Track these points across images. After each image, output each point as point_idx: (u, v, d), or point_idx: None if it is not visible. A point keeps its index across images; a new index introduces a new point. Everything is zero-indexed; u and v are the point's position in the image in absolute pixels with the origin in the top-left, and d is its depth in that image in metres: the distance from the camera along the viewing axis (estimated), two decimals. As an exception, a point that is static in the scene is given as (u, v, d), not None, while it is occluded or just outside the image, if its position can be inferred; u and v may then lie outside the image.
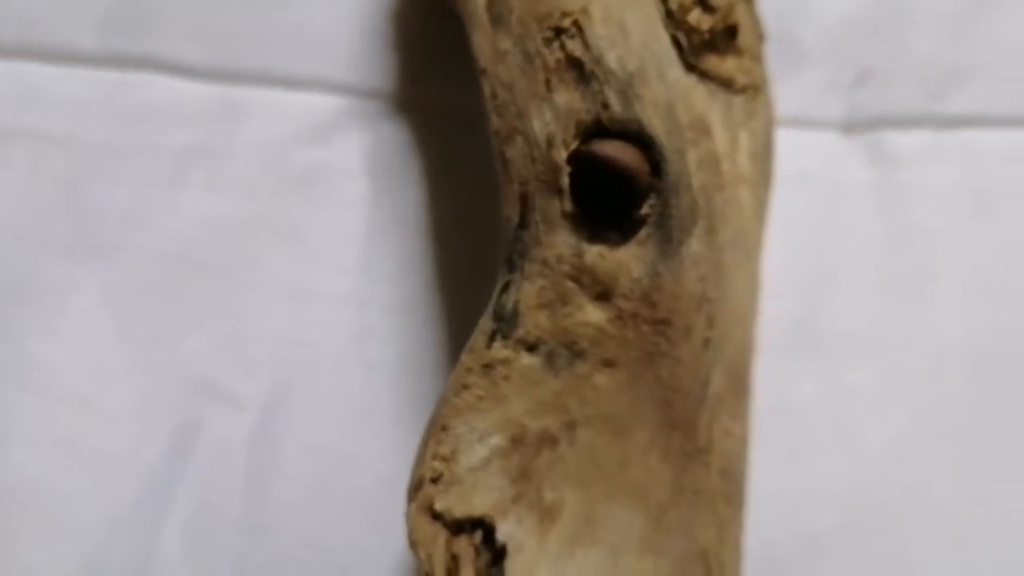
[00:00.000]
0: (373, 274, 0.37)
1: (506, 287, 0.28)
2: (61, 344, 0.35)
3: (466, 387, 0.28)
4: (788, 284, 0.37)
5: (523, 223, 0.28)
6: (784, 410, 0.36)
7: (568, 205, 0.27)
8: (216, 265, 0.37)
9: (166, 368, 0.35)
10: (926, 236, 0.39)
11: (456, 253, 0.38)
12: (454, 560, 0.28)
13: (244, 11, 0.39)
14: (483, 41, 0.29)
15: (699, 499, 0.27)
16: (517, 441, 0.28)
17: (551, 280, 0.27)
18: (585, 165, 0.26)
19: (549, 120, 0.27)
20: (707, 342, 0.27)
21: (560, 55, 0.27)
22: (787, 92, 0.40)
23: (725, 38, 0.28)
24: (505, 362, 0.28)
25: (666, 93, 0.27)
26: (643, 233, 0.27)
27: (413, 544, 0.27)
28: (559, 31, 0.27)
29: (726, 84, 0.29)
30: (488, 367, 0.28)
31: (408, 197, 0.39)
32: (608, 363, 0.27)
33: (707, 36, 0.28)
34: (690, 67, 0.28)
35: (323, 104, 0.39)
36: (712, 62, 0.28)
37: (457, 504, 0.27)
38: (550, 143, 0.27)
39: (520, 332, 0.28)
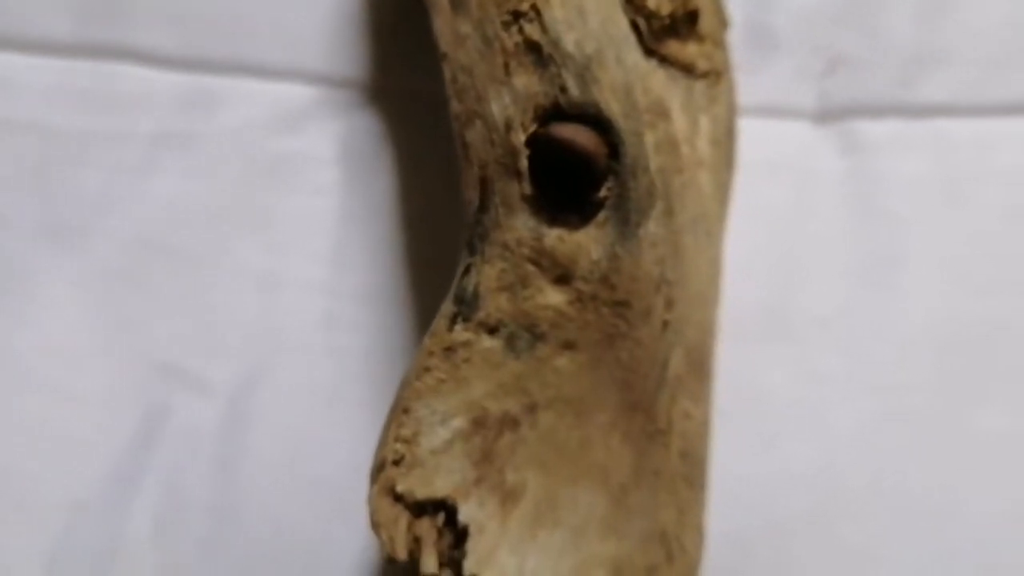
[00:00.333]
0: (344, 262, 0.38)
1: (467, 270, 0.28)
2: (29, 329, 0.36)
3: (428, 370, 0.28)
4: (759, 271, 0.38)
5: (483, 206, 0.28)
6: (753, 396, 0.36)
7: (527, 188, 0.27)
8: (186, 252, 0.37)
9: (135, 354, 0.35)
10: (896, 224, 0.39)
11: (427, 241, 0.38)
12: (416, 542, 0.28)
13: (217, 1, 0.39)
14: (443, 26, 0.29)
15: (659, 480, 0.28)
16: (479, 423, 0.28)
17: (511, 263, 0.27)
18: (544, 148, 0.27)
19: (508, 103, 0.27)
20: (666, 324, 0.27)
21: (519, 39, 0.27)
22: (759, 81, 0.40)
23: (686, 23, 0.29)
24: (466, 345, 0.28)
25: (624, 76, 0.27)
26: (601, 216, 0.27)
27: (375, 526, 0.27)
28: (517, 15, 0.27)
29: (687, 69, 0.29)
30: (449, 350, 0.28)
31: (379, 185, 0.39)
32: (568, 345, 0.27)
33: (667, 21, 0.28)
34: (650, 52, 0.28)
35: (295, 93, 0.40)
36: (673, 47, 0.28)
37: (419, 486, 0.27)
38: (509, 126, 0.27)
39: (481, 315, 0.28)
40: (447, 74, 0.29)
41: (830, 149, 0.39)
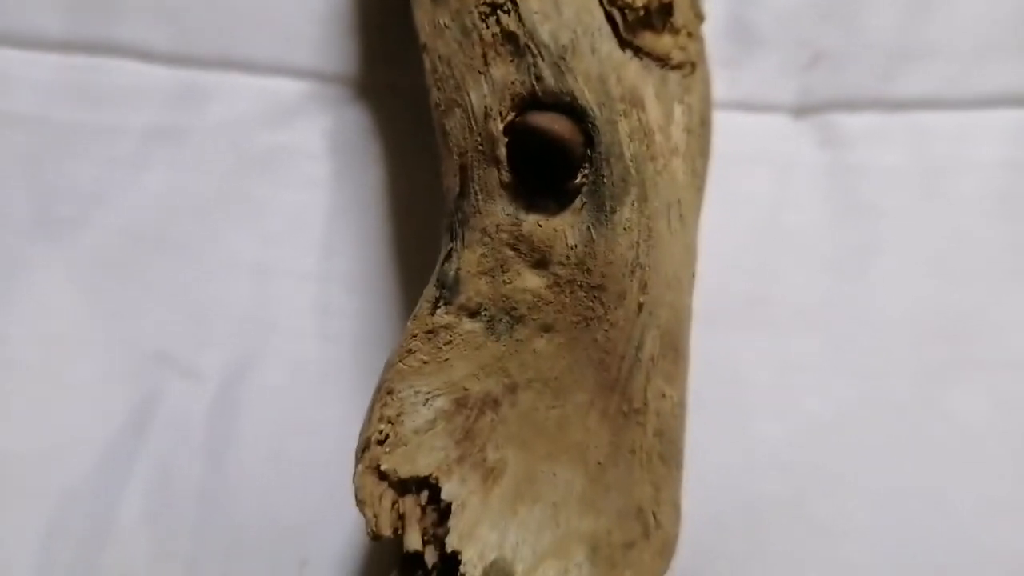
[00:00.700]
0: (333, 252, 0.38)
1: (448, 255, 0.29)
2: (21, 318, 0.36)
3: (411, 352, 0.29)
4: (739, 261, 0.38)
5: (463, 193, 0.29)
6: (731, 382, 0.37)
7: (506, 175, 0.28)
8: (178, 243, 0.37)
9: (126, 342, 0.36)
10: (874, 215, 0.40)
11: (413, 232, 0.39)
12: (400, 519, 0.28)
13: (208, -2, 0.39)
14: (423, 17, 0.30)
15: (636, 458, 0.28)
16: (460, 404, 0.28)
17: (491, 248, 0.28)
18: (521, 136, 0.27)
19: (486, 92, 0.28)
20: (641, 307, 0.28)
21: (496, 29, 0.28)
22: (741, 76, 0.41)
23: (661, 16, 0.29)
24: (448, 328, 0.29)
25: (598, 66, 0.28)
26: (578, 202, 0.28)
27: (360, 504, 0.28)
28: (495, 6, 0.28)
29: (662, 60, 0.29)
30: (432, 333, 0.29)
31: (367, 178, 0.40)
32: (546, 328, 0.28)
33: (642, 13, 0.29)
34: (625, 43, 0.29)
35: (285, 88, 0.40)
36: (647, 39, 0.29)
37: (403, 464, 0.28)
38: (487, 115, 0.28)
39: (462, 299, 0.29)
40: (427, 64, 0.30)
41: (810, 142, 0.40)
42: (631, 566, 0.28)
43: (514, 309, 0.28)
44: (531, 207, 0.28)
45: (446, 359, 0.28)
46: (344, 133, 0.40)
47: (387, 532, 0.28)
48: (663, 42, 0.29)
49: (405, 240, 0.38)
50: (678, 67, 0.30)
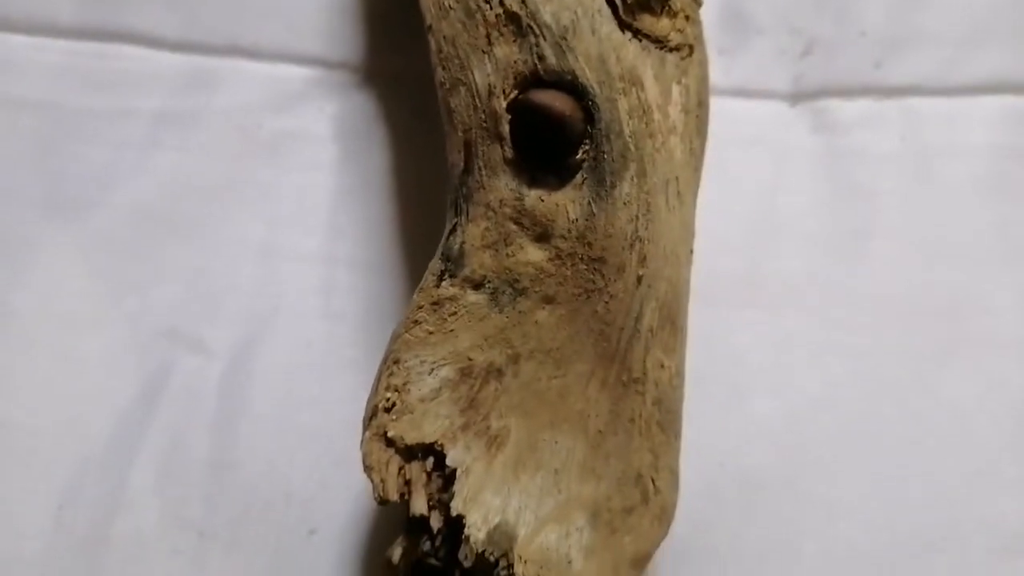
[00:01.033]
0: (338, 233, 0.39)
1: (453, 230, 0.30)
2: (34, 295, 0.37)
3: (417, 323, 0.30)
4: (735, 241, 0.39)
5: (467, 169, 0.29)
6: (727, 357, 0.38)
7: (509, 151, 0.29)
8: (187, 223, 0.38)
9: (138, 318, 0.37)
10: (866, 196, 0.41)
11: (417, 213, 0.39)
12: (407, 485, 0.29)
13: (216, -14, 0.40)
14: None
15: (635, 426, 0.29)
16: (465, 373, 0.29)
17: (494, 222, 0.29)
18: (524, 113, 0.28)
19: (490, 71, 0.29)
20: (639, 279, 0.29)
21: (499, 10, 0.29)
22: (738, 63, 0.42)
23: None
24: (453, 299, 0.30)
25: (598, 46, 0.29)
26: (578, 177, 0.29)
27: (368, 469, 0.29)
28: (498, -13, 0.29)
29: (660, 42, 0.30)
30: (437, 304, 0.30)
31: (372, 162, 0.40)
32: (548, 299, 0.29)
33: (641, -3, 0.30)
34: (624, 24, 0.30)
35: (292, 74, 0.41)
36: (646, 21, 0.30)
37: (409, 431, 0.29)
38: (491, 93, 0.29)
39: (466, 271, 0.29)
40: (432, 45, 0.30)
41: (804, 127, 0.41)
42: (630, 531, 0.29)
43: (517, 281, 0.29)
44: (533, 182, 0.29)
45: (451, 330, 0.29)
46: (349, 118, 0.41)
47: (393, 497, 0.29)
48: (661, 24, 0.30)
49: (408, 222, 0.39)
50: (676, 49, 0.31)
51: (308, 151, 0.40)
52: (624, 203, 0.28)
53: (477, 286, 0.29)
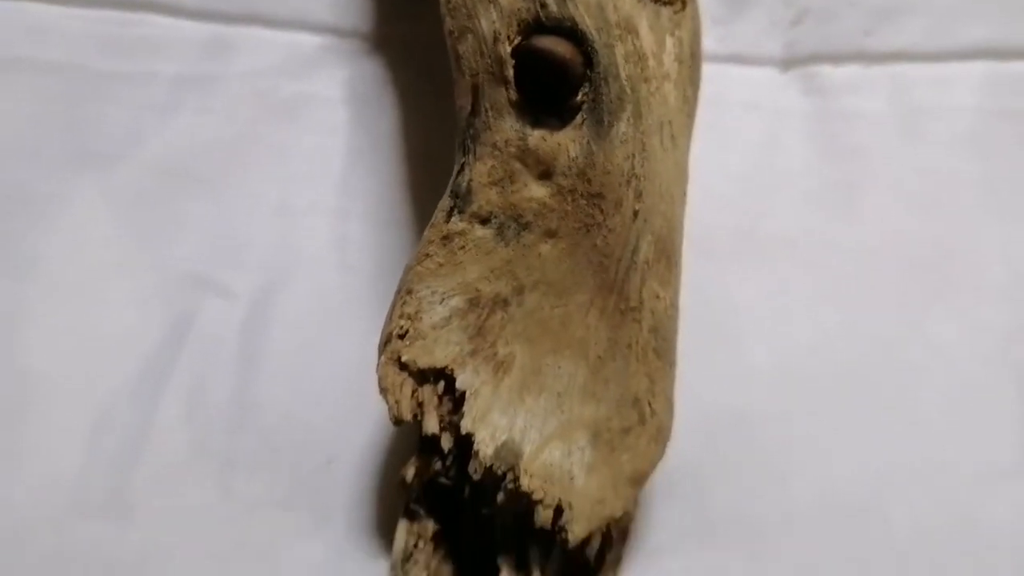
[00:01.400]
0: (351, 189, 0.41)
1: (461, 169, 0.32)
2: (65, 243, 0.39)
3: (428, 256, 0.32)
4: (731, 197, 0.41)
5: (474, 111, 0.31)
6: (723, 304, 0.39)
7: (513, 94, 0.31)
8: (206, 180, 0.41)
9: (162, 265, 0.39)
10: (856, 154, 0.43)
11: (425, 170, 0.42)
12: (419, 407, 0.31)
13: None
14: (437, -49, 0.32)
15: (632, 352, 0.31)
16: (473, 303, 0.31)
17: (500, 161, 0.31)
18: (527, 58, 0.30)
19: (495, 19, 0.31)
20: (636, 214, 0.31)
21: (504, -40, 0.31)
22: (733, 32, 0.44)
23: (654, -45, 0.32)
24: (462, 234, 0.32)
25: (596, -4, 0.31)
26: (578, 118, 0.31)
27: (383, 391, 0.31)
28: (503, -61, 0.31)
29: (654, -3, 0.32)
30: (447, 238, 0.32)
31: (382, 124, 0.43)
32: (550, 233, 0.31)
33: (636, -48, 0.32)
34: (621, -22, 0.32)
35: (306, 42, 0.44)
36: (642, -25, 0.32)
37: (421, 356, 0.31)
38: (496, 39, 0.31)
39: (474, 207, 0.32)
40: (441, -4, 0.33)
41: (796, 92, 0.43)
42: (628, 450, 0.31)
43: (521, 216, 0.31)
44: (536, 123, 0.31)
45: (460, 262, 0.31)
46: (360, 83, 0.43)
47: (407, 417, 0.31)
48: (656, -21, 0.32)
49: (416, 178, 0.41)
50: (669, 3, 0.33)
51: (321, 114, 0.42)
52: (621, 142, 0.30)
53: (484, 221, 0.31)
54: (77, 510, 0.35)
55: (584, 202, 0.30)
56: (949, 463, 0.37)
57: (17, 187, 0.40)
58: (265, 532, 0.35)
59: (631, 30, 0.31)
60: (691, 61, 0.33)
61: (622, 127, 0.30)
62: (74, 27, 0.42)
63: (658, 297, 0.31)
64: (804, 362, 0.38)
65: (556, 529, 0.30)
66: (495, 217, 0.31)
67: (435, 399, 0.31)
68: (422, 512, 0.32)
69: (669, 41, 0.32)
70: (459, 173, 0.31)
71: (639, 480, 0.31)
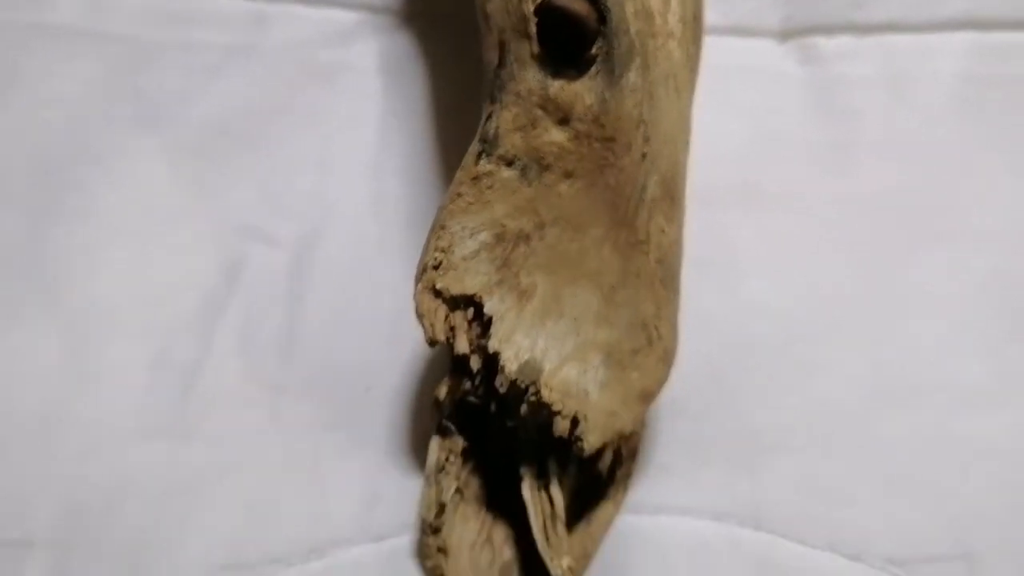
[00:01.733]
0: (386, 149, 0.45)
1: (489, 116, 0.35)
2: (126, 193, 0.43)
3: (459, 195, 0.35)
4: (735, 153, 0.45)
5: (501, 64, 0.35)
6: (726, 250, 0.43)
7: (535, 48, 0.34)
8: (253, 138, 0.44)
9: (215, 214, 0.43)
10: (848, 115, 0.46)
11: (452, 132, 0.45)
12: (451, 331, 0.35)
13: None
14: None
15: (641, 281, 0.35)
16: (499, 237, 0.35)
17: (523, 108, 0.35)
18: (548, 15, 0.34)
19: (519, -20, 0.35)
20: (644, 156, 0.34)
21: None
22: (734, 5, 0.48)
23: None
24: (489, 175, 0.35)
25: (609, -40, 0.35)
26: (593, 69, 0.34)
27: (419, 316, 0.35)
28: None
29: (661, -39, 0.36)
30: (476, 179, 0.35)
31: (414, 91, 0.47)
32: (568, 174, 0.35)
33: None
34: (630, -56, 0.35)
35: (341, 18, 0.48)
36: (649, -57, 0.36)
37: (453, 284, 0.35)
38: (520, -1, 0.35)
39: (500, 151, 0.35)
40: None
41: (792, 61, 0.47)
42: (637, 368, 0.34)
43: (542, 159, 0.34)
44: (556, 74, 0.34)
45: (488, 201, 0.35)
46: (392, 55, 0.47)
47: (441, 338, 0.35)
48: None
49: (444, 138, 0.45)
50: (674, -30, 0.36)
51: (357, 81, 0.46)
52: (631, 91, 0.34)
53: (509, 163, 0.35)
54: (140, 432, 0.39)
55: (598, 145, 0.34)
56: (934, 386, 0.40)
57: (85, 143, 0.44)
58: (311, 452, 0.39)
59: (639, -9, 0.34)
60: (694, 23, 0.37)
61: (632, 77, 0.34)
62: (132, 3, 0.46)
63: (663, 231, 0.35)
64: (800, 296, 0.42)
65: (572, 439, 0.33)
66: (519, 159, 0.34)
67: (465, 324, 0.34)
68: (453, 429, 0.36)
69: (673, 2, 0.36)
70: (487, 120, 0.35)
71: (647, 397, 0.35)
